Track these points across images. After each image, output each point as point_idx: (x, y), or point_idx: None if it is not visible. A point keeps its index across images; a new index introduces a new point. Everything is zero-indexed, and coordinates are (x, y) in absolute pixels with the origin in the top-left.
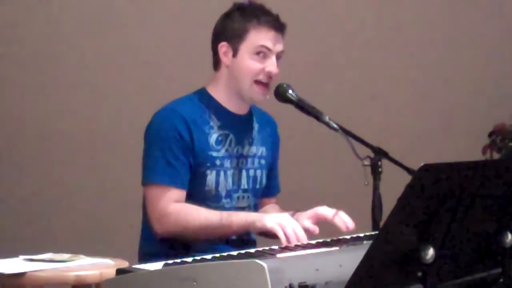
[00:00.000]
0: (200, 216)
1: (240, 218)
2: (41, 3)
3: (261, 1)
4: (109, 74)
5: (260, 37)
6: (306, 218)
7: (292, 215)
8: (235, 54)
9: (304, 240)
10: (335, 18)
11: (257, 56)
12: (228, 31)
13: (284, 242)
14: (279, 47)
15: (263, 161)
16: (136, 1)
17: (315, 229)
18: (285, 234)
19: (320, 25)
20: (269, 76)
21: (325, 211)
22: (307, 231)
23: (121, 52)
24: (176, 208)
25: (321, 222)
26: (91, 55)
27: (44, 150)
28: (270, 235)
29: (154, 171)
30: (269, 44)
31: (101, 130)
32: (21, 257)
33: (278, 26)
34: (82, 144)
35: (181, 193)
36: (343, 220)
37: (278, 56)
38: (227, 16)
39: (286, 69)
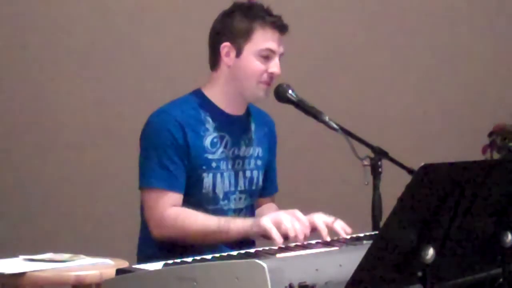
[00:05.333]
0: (198, 221)
1: (237, 224)
2: (41, 2)
3: (261, 1)
4: (109, 74)
5: (265, 38)
6: None
7: None
8: (238, 54)
9: (305, 230)
10: (336, 18)
11: (261, 57)
12: (231, 31)
13: (278, 242)
14: (282, 49)
15: (259, 162)
16: (137, 1)
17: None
18: (281, 231)
19: (321, 25)
20: (272, 77)
21: (321, 219)
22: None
23: (123, 52)
24: (174, 213)
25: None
26: (92, 55)
27: (44, 150)
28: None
29: (150, 175)
30: (274, 46)
31: (101, 131)
32: (21, 257)
33: (282, 27)
34: (82, 145)
35: (178, 197)
36: (342, 226)
37: (279, 57)
38: (228, 15)
39: (287, 69)
